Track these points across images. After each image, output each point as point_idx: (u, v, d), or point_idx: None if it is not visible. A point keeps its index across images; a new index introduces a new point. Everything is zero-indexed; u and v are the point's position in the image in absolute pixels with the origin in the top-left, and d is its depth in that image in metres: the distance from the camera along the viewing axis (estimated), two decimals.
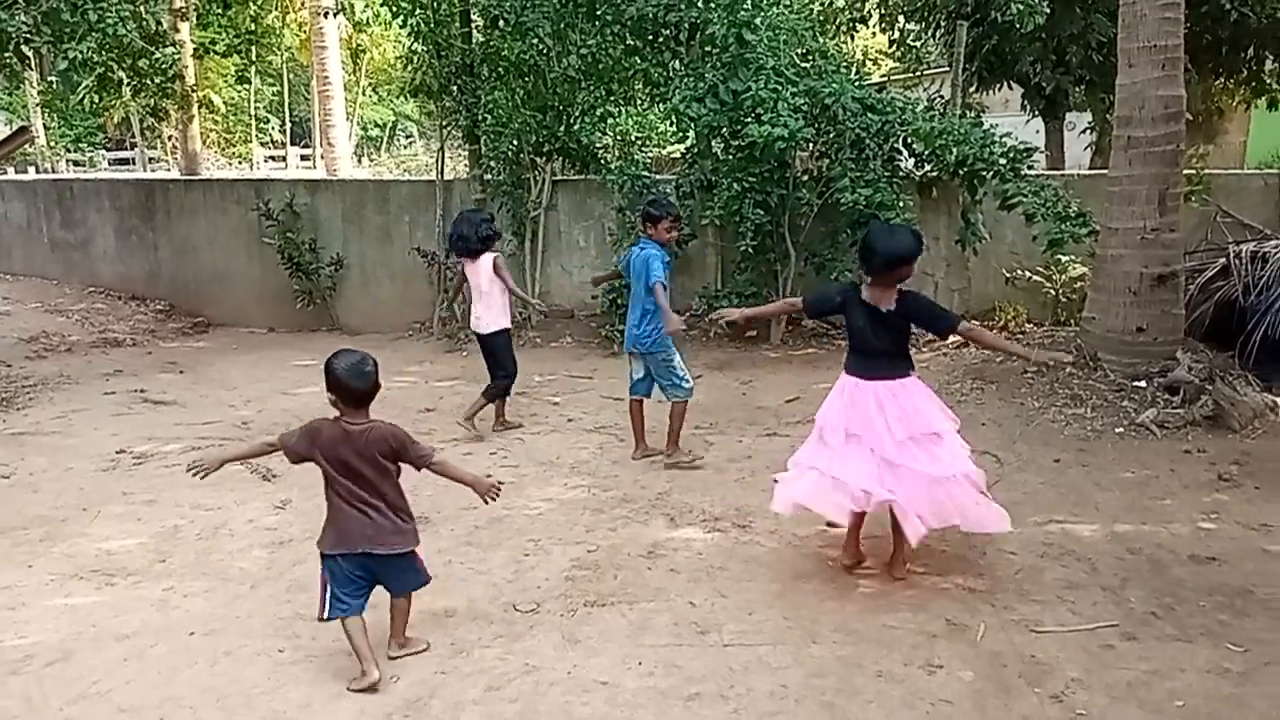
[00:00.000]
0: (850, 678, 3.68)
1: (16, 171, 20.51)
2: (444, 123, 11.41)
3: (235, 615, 4.27)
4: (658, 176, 10.57)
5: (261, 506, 5.62)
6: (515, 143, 10.35)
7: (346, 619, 3.65)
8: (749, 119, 8.81)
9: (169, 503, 5.68)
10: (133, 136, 28.52)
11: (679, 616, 4.20)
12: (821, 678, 3.69)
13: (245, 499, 5.74)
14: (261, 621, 4.21)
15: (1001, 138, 8.97)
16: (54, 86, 21.72)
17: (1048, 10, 11.06)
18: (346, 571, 3.64)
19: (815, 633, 4.03)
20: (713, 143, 9.65)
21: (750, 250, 9.38)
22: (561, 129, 10.47)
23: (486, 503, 3.93)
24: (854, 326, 4.53)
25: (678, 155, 12.08)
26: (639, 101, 11.96)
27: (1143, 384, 7.07)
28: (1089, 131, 14.83)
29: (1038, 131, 14.30)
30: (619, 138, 12.52)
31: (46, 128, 26.13)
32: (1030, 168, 9.15)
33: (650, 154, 13.72)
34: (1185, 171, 7.92)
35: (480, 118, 10.36)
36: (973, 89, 13.57)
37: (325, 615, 3.67)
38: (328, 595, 3.65)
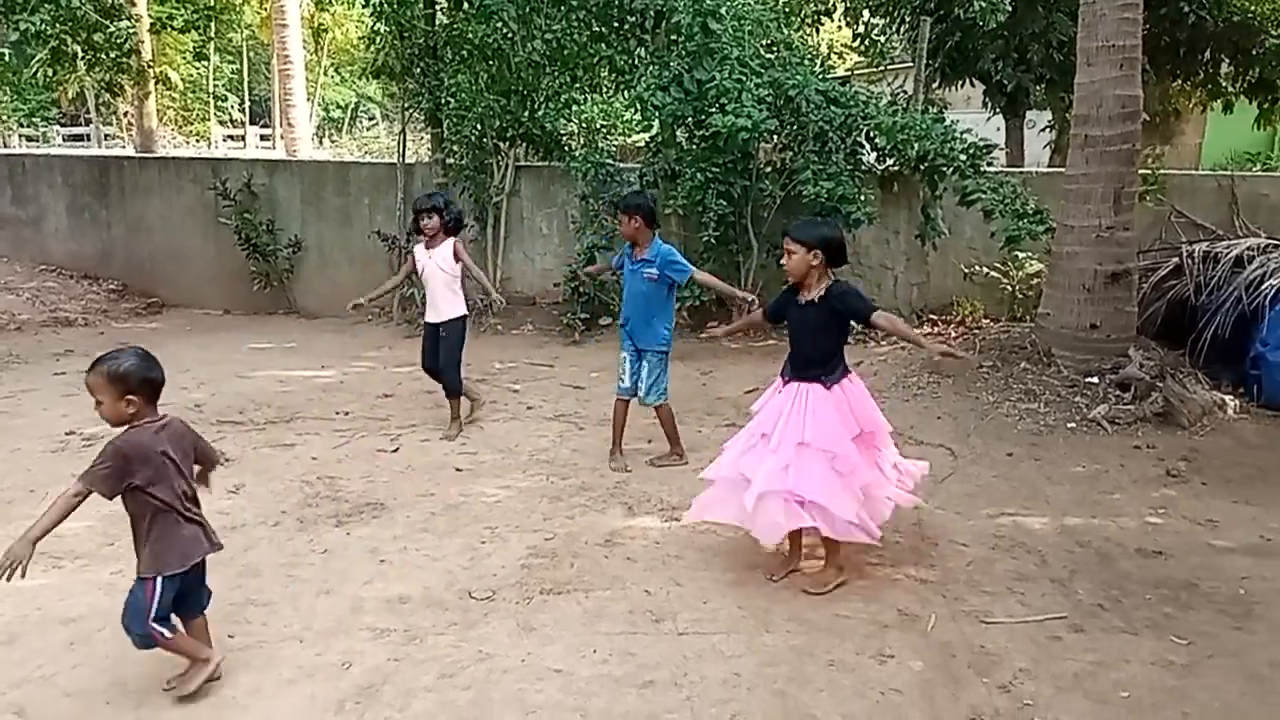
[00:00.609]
0: (802, 666, 3.71)
1: None
2: (406, 105, 11.29)
3: None
4: (622, 165, 10.55)
5: (214, 490, 5.53)
6: (478, 127, 10.27)
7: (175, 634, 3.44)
8: (713, 109, 8.81)
9: None
10: (87, 112, 27.92)
11: (634, 605, 4.21)
12: (774, 666, 3.71)
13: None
14: (211, 607, 4.12)
15: (962, 134, 9.06)
16: (5, 59, 21.18)
17: (1010, 8, 11.18)
18: (174, 585, 3.40)
19: (768, 622, 4.06)
20: (677, 132, 9.65)
21: (713, 241, 9.40)
22: (525, 114, 10.40)
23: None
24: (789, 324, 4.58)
25: (642, 144, 12.05)
26: (604, 89, 11.91)
27: (1095, 380, 7.18)
28: (1048, 130, 15.00)
29: (998, 129, 14.43)
30: (583, 125, 12.46)
31: None
32: (990, 165, 9.27)
33: (615, 142, 13.67)
34: (1141, 171, 8.05)
35: (443, 101, 10.27)
36: (935, 85, 13.69)
37: (168, 634, 3.40)
38: (162, 613, 3.36)
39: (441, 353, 6.69)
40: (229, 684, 3.57)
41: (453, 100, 10.16)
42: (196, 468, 3.56)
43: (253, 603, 4.20)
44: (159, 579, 3.33)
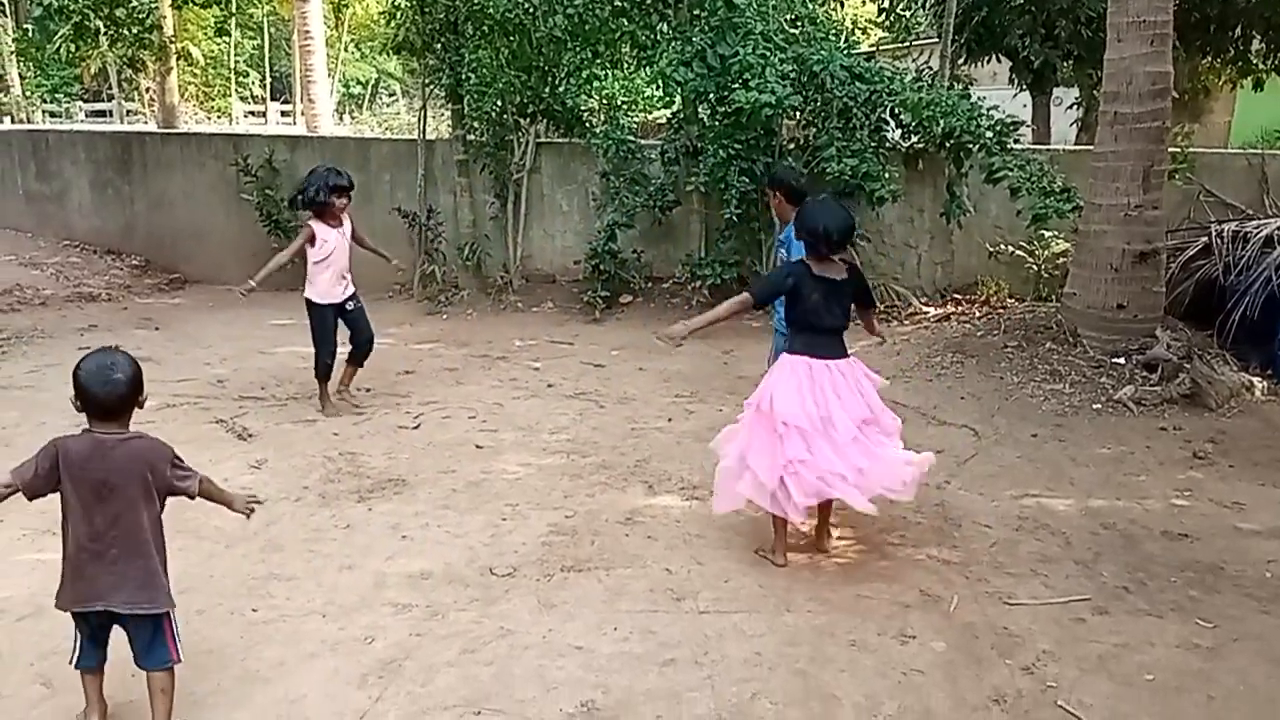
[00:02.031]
0: (823, 646, 3.70)
1: None
2: (427, 81, 11.24)
3: (209, 574, 4.25)
4: (643, 141, 10.50)
5: (237, 465, 5.58)
6: (499, 103, 10.23)
7: (88, 674, 3.20)
8: (736, 85, 8.73)
9: None
10: (110, 88, 28.02)
11: (655, 583, 4.20)
12: (795, 646, 3.70)
13: (220, 457, 5.69)
14: (235, 581, 4.19)
15: (988, 111, 8.94)
16: (29, 35, 21.27)
17: None
18: (92, 627, 3.12)
19: (790, 601, 4.05)
20: (699, 108, 9.58)
21: (734, 218, 9.34)
22: (546, 90, 10.35)
23: (248, 516, 3.41)
24: (808, 303, 4.33)
25: (664, 120, 11.97)
26: (626, 64, 11.84)
27: (1121, 361, 7.11)
28: (1075, 107, 14.83)
29: (1025, 106, 14.27)
30: (605, 101, 12.39)
31: (22, 77, 25.66)
32: (1017, 142, 9.16)
33: (636, 118, 13.60)
34: (1170, 149, 7.92)
35: (464, 77, 10.22)
36: (961, 61, 13.52)
37: (74, 662, 3.17)
38: (77, 644, 3.15)
39: (367, 325, 6.97)
40: (253, 658, 3.59)
41: (473, 76, 10.10)
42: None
43: (275, 577, 4.22)
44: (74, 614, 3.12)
